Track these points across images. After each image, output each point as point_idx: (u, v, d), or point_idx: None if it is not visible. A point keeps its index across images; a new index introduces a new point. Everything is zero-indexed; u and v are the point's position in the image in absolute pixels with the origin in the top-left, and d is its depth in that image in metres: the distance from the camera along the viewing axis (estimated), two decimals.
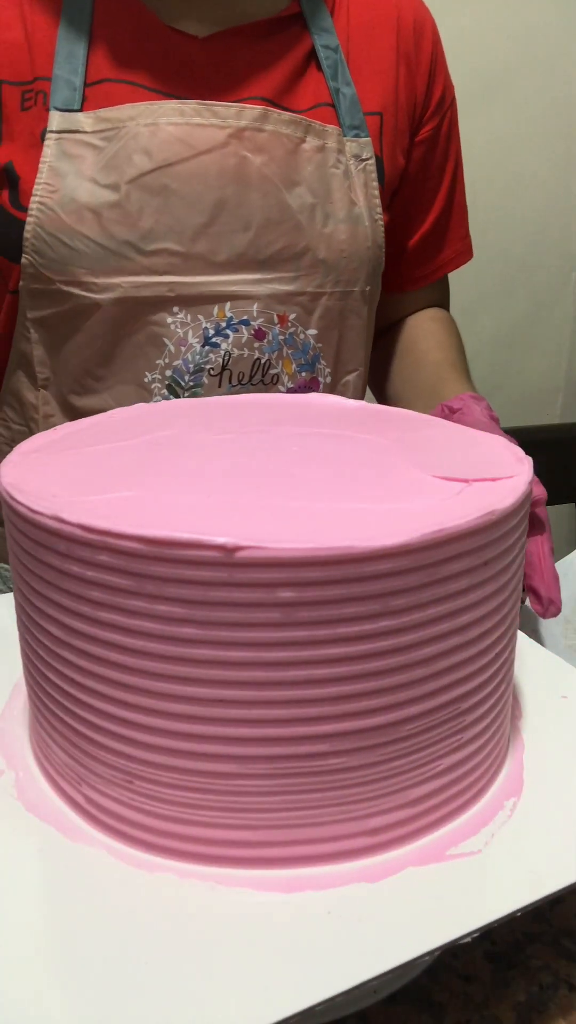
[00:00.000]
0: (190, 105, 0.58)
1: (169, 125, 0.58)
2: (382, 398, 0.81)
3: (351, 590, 0.28)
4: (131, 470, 0.36)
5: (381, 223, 0.66)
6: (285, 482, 0.34)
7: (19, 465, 0.36)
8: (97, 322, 0.60)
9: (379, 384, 0.81)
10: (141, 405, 0.47)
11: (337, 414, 0.46)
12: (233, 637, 0.28)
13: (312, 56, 0.64)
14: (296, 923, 0.30)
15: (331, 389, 0.69)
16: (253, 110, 0.60)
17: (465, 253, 0.79)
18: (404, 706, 0.31)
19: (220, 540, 0.27)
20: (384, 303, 0.74)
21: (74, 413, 0.63)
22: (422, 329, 0.78)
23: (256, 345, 0.63)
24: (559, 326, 1.53)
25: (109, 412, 0.46)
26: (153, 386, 0.62)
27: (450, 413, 0.58)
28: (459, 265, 0.79)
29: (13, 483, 0.33)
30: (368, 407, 0.48)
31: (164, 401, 0.52)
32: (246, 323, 0.62)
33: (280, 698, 0.29)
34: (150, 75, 0.60)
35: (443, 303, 0.83)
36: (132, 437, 0.41)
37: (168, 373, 0.62)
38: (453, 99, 0.73)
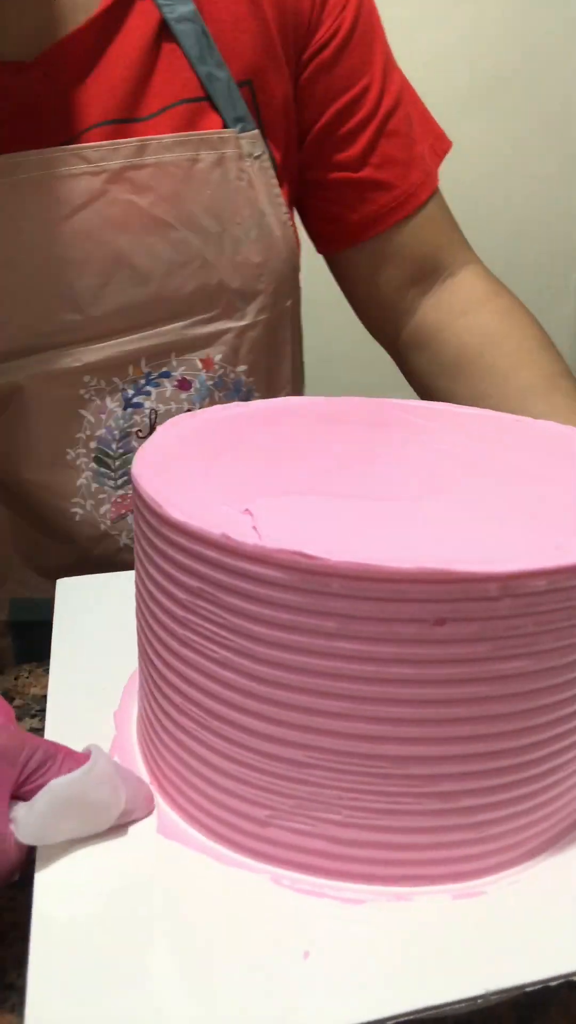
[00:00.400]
0: (51, 154, 0.50)
1: (31, 182, 0.50)
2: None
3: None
4: (284, 473, 0.35)
5: (290, 225, 0.60)
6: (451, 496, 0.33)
7: (160, 470, 0.34)
8: None
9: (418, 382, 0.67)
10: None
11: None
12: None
13: (163, 32, 0.53)
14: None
15: None
16: (127, 144, 0.51)
17: (441, 138, 0.63)
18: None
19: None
20: (378, 261, 0.61)
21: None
22: (488, 331, 0.62)
23: (183, 396, 0.58)
24: (559, 326, 1.54)
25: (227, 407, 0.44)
26: (79, 462, 0.57)
27: None
28: (442, 154, 0.63)
29: (167, 497, 0.31)
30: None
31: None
32: (167, 375, 0.57)
33: (441, 716, 0.29)
34: None
35: (464, 243, 0.65)
36: (268, 433, 0.40)
37: (93, 446, 0.57)
38: None
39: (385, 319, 0.67)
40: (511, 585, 0.27)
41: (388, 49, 0.61)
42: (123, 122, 0.53)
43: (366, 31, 0.59)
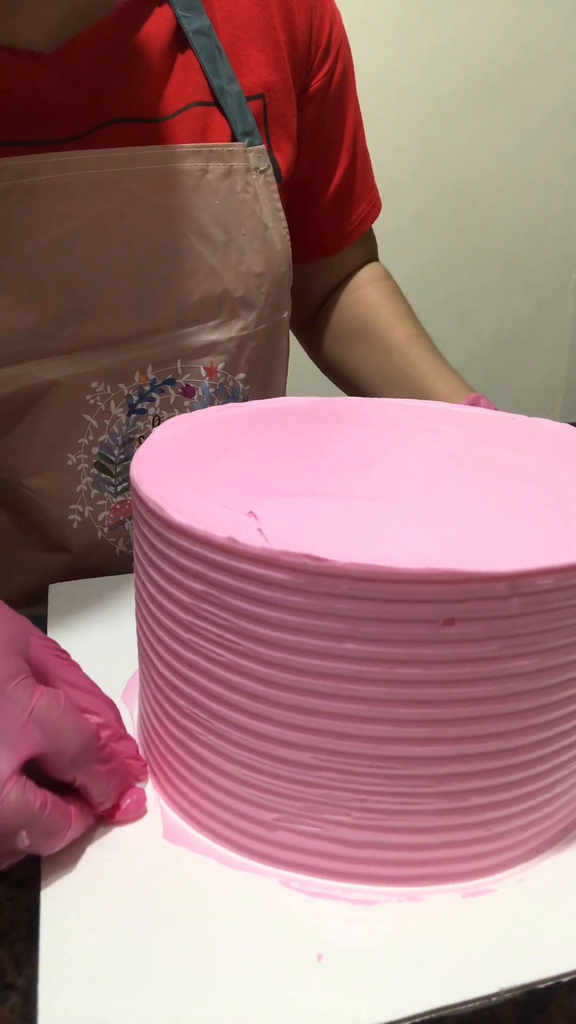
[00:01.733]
0: (67, 157, 0.50)
1: (48, 186, 0.50)
2: (344, 385, 0.75)
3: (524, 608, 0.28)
4: (286, 473, 0.35)
5: (288, 238, 0.62)
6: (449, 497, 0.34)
7: (159, 473, 0.34)
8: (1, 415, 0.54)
9: (336, 371, 0.75)
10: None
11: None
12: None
13: (179, 38, 0.55)
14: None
15: None
16: (141, 152, 0.52)
17: (376, 205, 0.72)
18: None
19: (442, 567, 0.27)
20: (313, 272, 0.69)
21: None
22: (370, 302, 0.72)
23: (186, 403, 0.59)
24: (559, 326, 1.54)
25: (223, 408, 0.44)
26: (80, 468, 0.57)
27: None
28: (372, 219, 0.72)
29: (169, 500, 0.31)
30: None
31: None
32: (171, 382, 0.58)
33: (451, 716, 0.29)
34: None
35: (373, 255, 0.76)
36: (265, 433, 0.40)
37: (95, 451, 0.57)
38: (343, 38, 0.64)
39: (301, 313, 0.76)
40: (519, 584, 0.27)
41: (358, 104, 0.68)
42: (137, 121, 0.53)
43: (341, 94, 0.66)
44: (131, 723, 0.41)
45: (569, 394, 1.58)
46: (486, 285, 1.41)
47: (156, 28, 0.54)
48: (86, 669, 0.42)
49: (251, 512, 0.29)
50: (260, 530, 0.28)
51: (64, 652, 0.36)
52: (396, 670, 0.28)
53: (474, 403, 0.58)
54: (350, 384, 0.74)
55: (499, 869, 0.32)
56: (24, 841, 0.30)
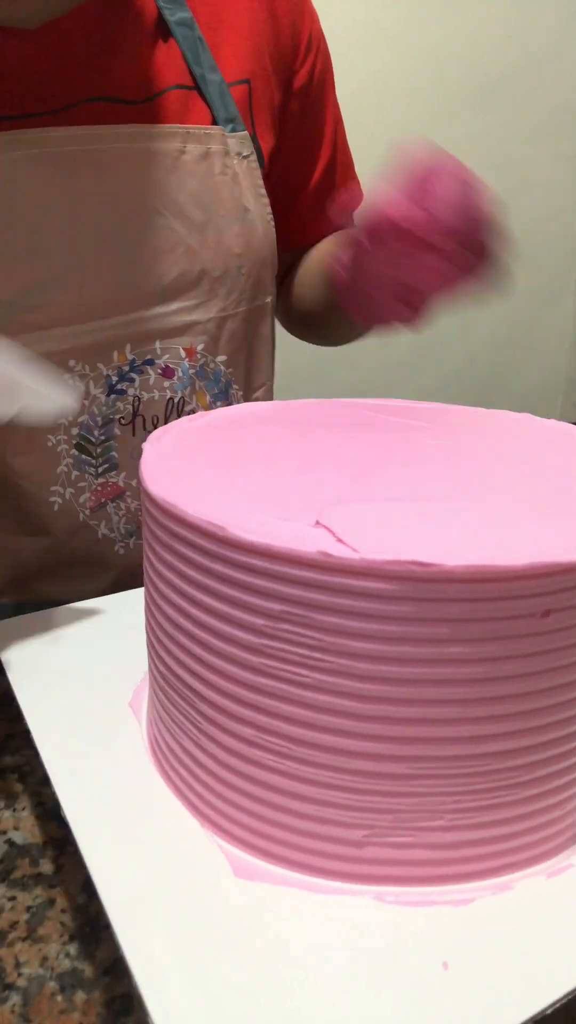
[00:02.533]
0: (39, 133, 0.51)
1: (27, 160, 0.51)
2: (303, 327, 0.76)
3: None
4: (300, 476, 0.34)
5: (272, 223, 0.62)
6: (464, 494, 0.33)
7: (190, 490, 0.33)
8: None
9: (299, 320, 0.75)
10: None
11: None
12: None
13: (161, 27, 0.56)
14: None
15: None
16: (120, 129, 0.53)
17: (359, 194, 0.72)
18: None
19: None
20: (294, 260, 0.71)
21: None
22: (320, 248, 0.72)
23: (166, 384, 0.59)
24: (559, 326, 1.54)
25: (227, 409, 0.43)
26: (60, 449, 0.57)
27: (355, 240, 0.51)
28: (355, 208, 0.71)
29: (228, 518, 0.29)
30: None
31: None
32: (151, 363, 0.58)
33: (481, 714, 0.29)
34: None
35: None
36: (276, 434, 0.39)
37: (74, 432, 0.57)
38: (322, 37, 0.67)
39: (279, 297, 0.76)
40: None
41: (336, 101, 0.70)
42: (115, 101, 0.54)
43: (322, 91, 0.67)
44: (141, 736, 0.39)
45: (569, 394, 1.58)
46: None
47: (138, 15, 0.55)
48: (71, 714, 0.41)
49: (318, 523, 0.28)
50: (342, 541, 0.27)
51: None
52: (499, 667, 0.27)
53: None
54: (309, 325, 0.74)
55: (572, 842, 0.33)
56: None
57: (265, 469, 0.35)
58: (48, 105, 0.52)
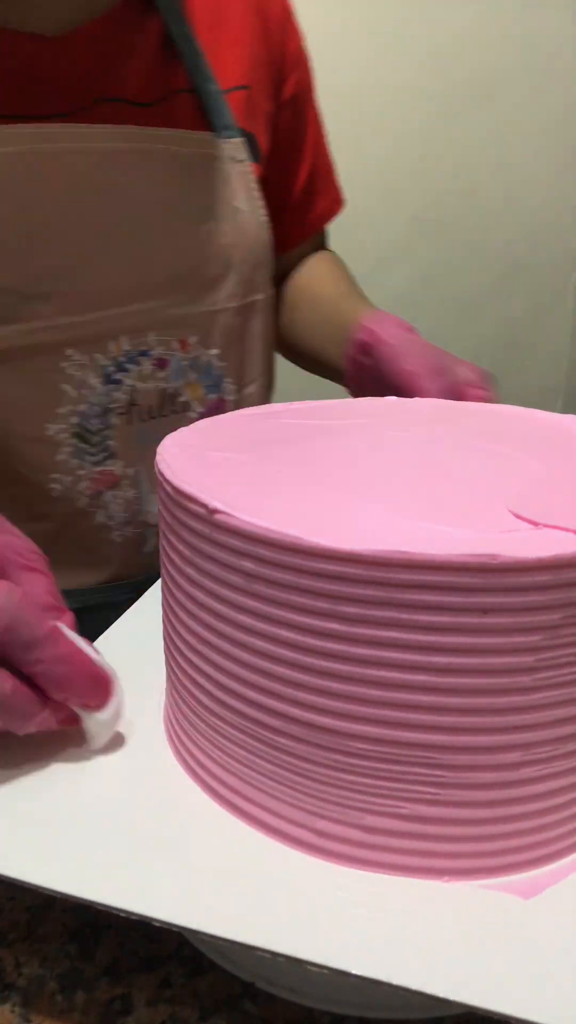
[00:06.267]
0: (52, 129, 0.54)
1: (33, 155, 0.53)
2: (293, 355, 0.78)
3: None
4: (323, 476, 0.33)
5: (266, 224, 0.65)
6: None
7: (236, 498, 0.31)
8: None
9: (287, 343, 0.78)
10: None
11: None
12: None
13: (167, 42, 0.60)
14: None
15: (236, 405, 0.66)
16: (123, 130, 0.56)
17: (338, 201, 0.79)
18: None
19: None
20: (280, 264, 0.73)
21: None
22: (309, 274, 0.77)
23: (160, 375, 0.61)
24: (559, 326, 1.54)
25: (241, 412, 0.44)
26: (59, 437, 0.59)
27: (367, 344, 0.58)
28: (335, 213, 0.78)
29: (302, 527, 0.28)
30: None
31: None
32: (146, 354, 0.60)
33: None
34: None
35: (323, 246, 0.82)
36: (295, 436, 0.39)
37: (74, 420, 0.59)
38: (304, 52, 0.71)
39: None
40: None
41: (317, 108, 0.75)
42: (121, 102, 0.58)
43: (306, 100, 0.73)
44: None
45: (569, 394, 1.59)
46: (486, 285, 1.41)
47: (147, 27, 0.59)
48: None
49: (373, 522, 0.28)
50: (419, 539, 0.26)
51: (35, 557, 0.36)
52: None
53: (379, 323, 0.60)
54: (297, 351, 0.77)
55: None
56: None
57: (281, 474, 0.34)
58: (64, 107, 0.55)
